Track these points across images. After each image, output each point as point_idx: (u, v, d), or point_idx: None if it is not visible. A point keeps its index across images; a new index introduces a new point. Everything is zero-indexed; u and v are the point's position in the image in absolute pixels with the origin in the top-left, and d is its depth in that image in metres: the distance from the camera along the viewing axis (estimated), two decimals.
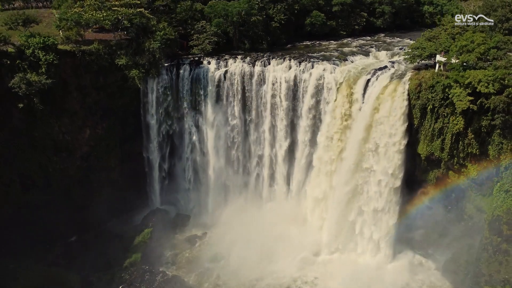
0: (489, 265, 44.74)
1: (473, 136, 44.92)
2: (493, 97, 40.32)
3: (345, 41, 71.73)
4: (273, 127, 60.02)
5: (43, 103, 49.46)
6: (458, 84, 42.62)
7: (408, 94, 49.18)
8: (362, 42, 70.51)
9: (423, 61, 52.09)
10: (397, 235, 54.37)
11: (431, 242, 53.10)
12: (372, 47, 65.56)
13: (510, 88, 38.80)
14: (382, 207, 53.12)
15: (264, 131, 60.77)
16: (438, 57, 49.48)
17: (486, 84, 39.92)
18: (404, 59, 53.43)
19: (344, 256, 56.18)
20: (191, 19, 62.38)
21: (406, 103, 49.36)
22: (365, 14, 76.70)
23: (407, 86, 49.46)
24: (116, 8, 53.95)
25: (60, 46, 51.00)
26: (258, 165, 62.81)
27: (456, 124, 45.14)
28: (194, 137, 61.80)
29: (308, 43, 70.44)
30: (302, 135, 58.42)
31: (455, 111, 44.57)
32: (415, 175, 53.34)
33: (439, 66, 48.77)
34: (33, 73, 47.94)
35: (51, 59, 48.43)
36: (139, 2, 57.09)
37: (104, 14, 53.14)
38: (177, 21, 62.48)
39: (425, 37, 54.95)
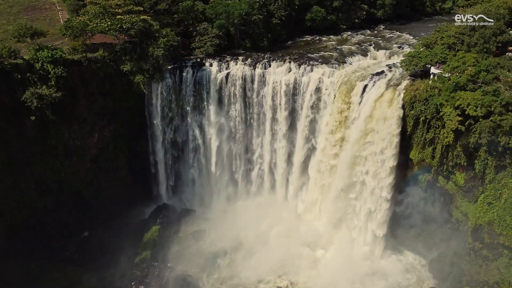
0: (470, 267, 48.93)
1: (461, 149, 47.47)
2: (480, 120, 42.60)
3: (345, 36, 72.39)
4: (273, 128, 62.33)
5: (53, 113, 51.45)
6: (449, 103, 44.72)
7: (403, 104, 51.37)
8: (362, 37, 71.29)
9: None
10: (389, 233, 58.07)
11: (421, 240, 56.77)
12: (371, 45, 66.64)
13: (496, 116, 40.90)
14: (374, 208, 56.60)
15: (264, 132, 63.18)
16: (433, 69, 51.24)
17: (474, 108, 42.08)
18: (401, 66, 54.92)
19: (338, 251, 59.69)
20: (193, 19, 63.07)
21: (400, 112, 51.67)
22: (366, 7, 76.53)
23: (402, 96, 51.58)
24: (120, 17, 54.80)
25: (67, 56, 52.47)
26: (259, 164, 65.62)
27: (446, 137, 47.48)
28: (197, 137, 64.02)
29: (309, 39, 71.34)
30: (301, 137, 60.91)
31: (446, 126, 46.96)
32: (406, 177, 56.41)
33: (433, 78, 50.55)
34: (43, 86, 49.75)
35: (60, 72, 50.13)
36: (142, 8, 57.83)
37: (109, 22, 53.97)
38: (179, 18, 63.05)
39: (422, 43, 56.31)
